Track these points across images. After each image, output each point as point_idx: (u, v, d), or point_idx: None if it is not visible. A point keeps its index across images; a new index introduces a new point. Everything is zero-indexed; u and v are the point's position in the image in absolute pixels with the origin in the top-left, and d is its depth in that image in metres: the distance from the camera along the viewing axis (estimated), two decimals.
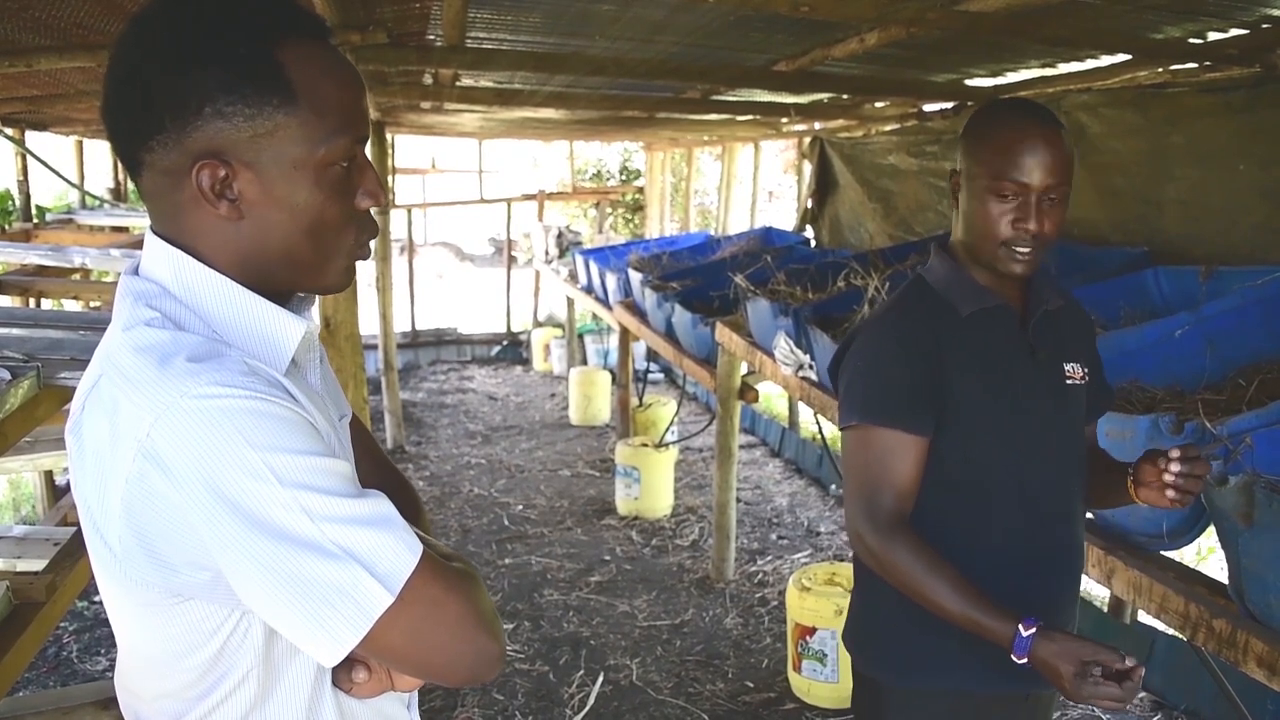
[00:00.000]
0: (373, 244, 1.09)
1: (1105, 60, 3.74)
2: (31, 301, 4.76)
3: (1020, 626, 1.45)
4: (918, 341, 1.67)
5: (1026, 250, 1.62)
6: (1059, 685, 1.43)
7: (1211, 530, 1.84)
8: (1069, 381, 1.73)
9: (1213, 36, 3.13)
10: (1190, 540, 1.98)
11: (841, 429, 1.72)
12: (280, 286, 1.03)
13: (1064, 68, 3.99)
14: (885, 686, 1.77)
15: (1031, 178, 1.58)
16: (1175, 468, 1.53)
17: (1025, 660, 1.45)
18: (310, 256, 1.00)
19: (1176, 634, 2.03)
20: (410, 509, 1.11)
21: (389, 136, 8.01)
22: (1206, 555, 5.10)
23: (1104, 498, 1.79)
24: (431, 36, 3.83)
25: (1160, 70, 3.75)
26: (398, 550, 0.90)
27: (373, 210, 1.05)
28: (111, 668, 3.85)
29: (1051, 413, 1.72)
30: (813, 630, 3.62)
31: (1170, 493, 1.55)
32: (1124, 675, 1.38)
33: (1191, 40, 3.21)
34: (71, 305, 5.17)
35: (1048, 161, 1.58)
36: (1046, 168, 1.58)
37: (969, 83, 4.49)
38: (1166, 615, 1.87)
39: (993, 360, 1.69)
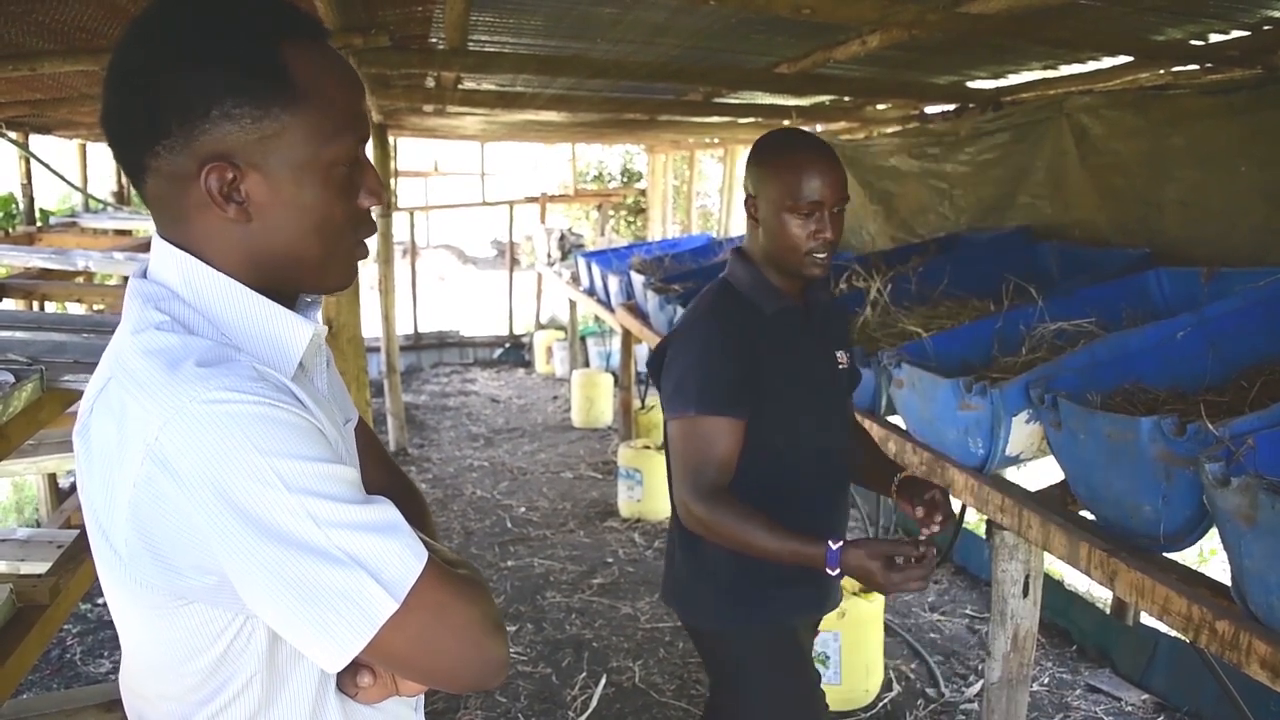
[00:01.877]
0: (371, 243, 1.10)
1: (1107, 62, 3.74)
2: (35, 305, 4.77)
3: (829, 543, 1.80)
4: (736, 338, 1.99)
5: (824, 255, 1.99)
6: (871, 582, 1.77)
7: (1214, 532, 1.84)
8: (840, 366, 2.18)
9: (1214, 38, 3.13)
10: (1193, 542, 1.98)
11: (672, 419, 2.00)
12: (287, 287, 1.03)
13: (1066, 69, 3.99)
14: (729, 631, 2.13)
15: (824, 196, 1.95)
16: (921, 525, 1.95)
17: (838, 570, 1.79)
18: (317, 256, 1.01)
19: (1179, 636, 2.03)
20: (416, 514, 1.12)
21: (391, 139, 8.01)
22: (1209, 557, 5.10)
23: (858, 476, 2.24)
24: (434, 39, 3.84)
25: (1162, 72, 3.75)
26: (403, 556, 0.90)
27: (372, 210, 1.06)
28: (115, 670, 3.85)
29: (833, 391, 2.17)
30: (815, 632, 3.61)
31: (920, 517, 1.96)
32: (921, 559, 1.74)
33: (1193, 42, 3.21)
34: (75, 308, 5.18)
35: (834, 181, 1.96)
36: (833, 187, 1.96)
37: (971, 85, 4.49)
38: (1169, 617, 1.87)
39: (793, 351, 2.07)
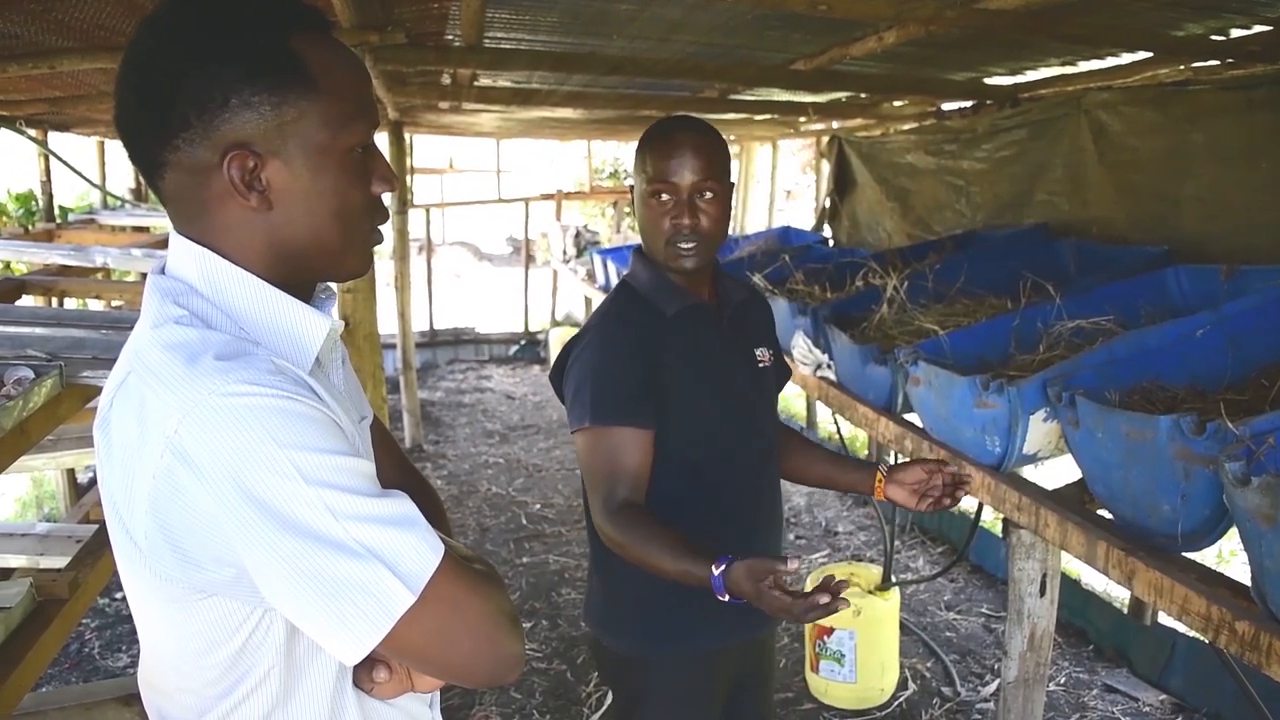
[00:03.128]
0: (387, 239, 1.11)
1: (1126, 58, 3.72)
2: (55, 301, 4.80)
3: (713, 567, 1.55)
4: (635, 343, 1.84)
5: (689, 245, 1.81)
6: (758, 606, 1.50)
7: (1234, 532, 1.83)
8: (760, 365, 2.01)
9: (1235, 33, 3.11)
10: (1212, 542, 1.96)
11: (573, 432, 1.83)
12: (306, 276, 1.05)
13: (1084, 65, 3.97)
14: (637, 659, 1.95)
15: (681, 178, 1.78)
16: (943, 479, 1.83)
17: (726, 595, 1.54)
18: (337, 242, 1.02)
19: (1198, 636, 2.01)
20: (432, 511, 1.12)
21: (407, 136, 8.03)
22: (1228, 558, 5.07)
23: (809, 478, 2.11)
24: (450, 36, 3.84)
25: (1181, 67, 3.73)
26: (420, 550, 0.90)
27: (390, 206, 1.07)
28: (133, 664, 3.88)
29: (750, 392, 1.97)
30: (830, 630, 3.60)
31: (925, 502, 1.84)
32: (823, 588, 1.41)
33: (1214, 37, 3.18)
34: (94, 304, 5.21)
35: (693, 162, 1.77)
36: (692, 168, 1.77)
37: (988, 81, 4.47)
38: (1188, 617, 1.86)
39: (700, 352, 1.90)
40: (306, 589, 0.87)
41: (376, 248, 1.10)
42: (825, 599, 1.38)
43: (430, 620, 0.91)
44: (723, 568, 1.54)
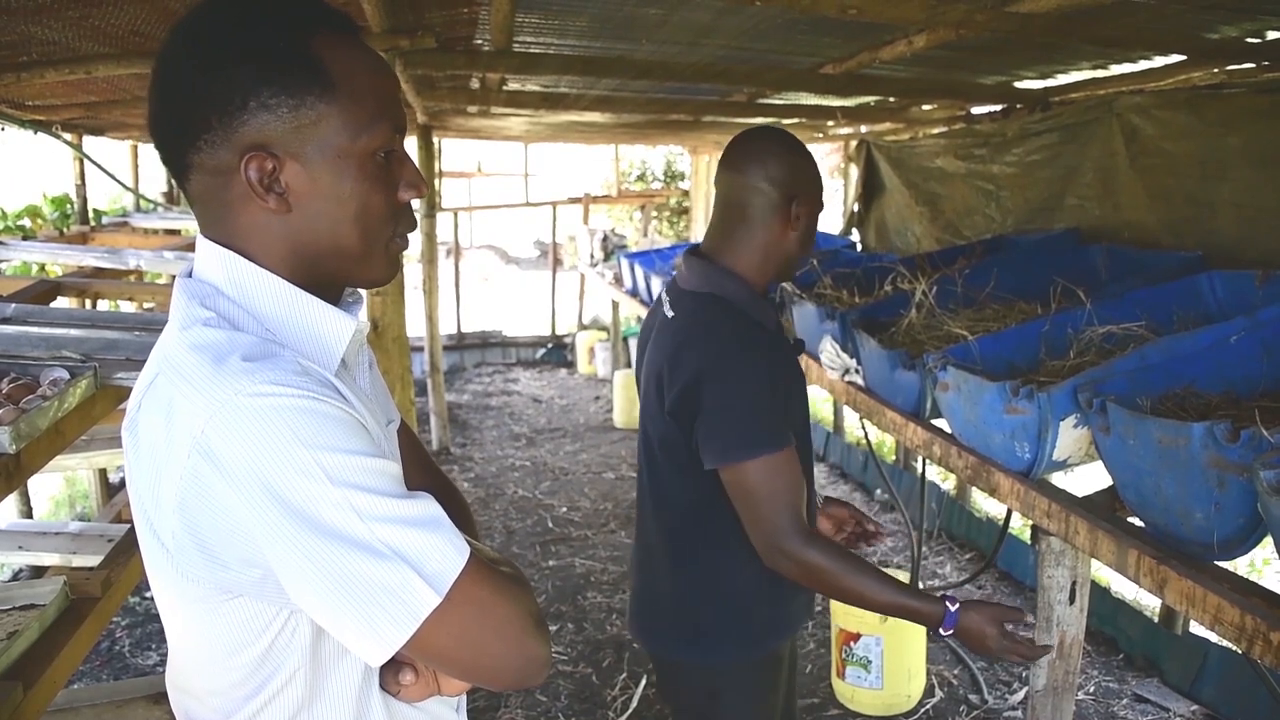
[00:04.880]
0: (415, 243, 1.11)
1: (1159, 61, 3.67)
2: (89, 303, 4.85)
3: (947, 604, 1.78)
4: (771, 362, 1.87)
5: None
6: (980, 646, 1.79)
7: (1268, 541, 1.80)
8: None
9: (1271, 35, 3.06)
10: (1245, 551, 1.93)
11: (745, 461, 1.79)
12: (328, 280, 1.05)
13: (1116, 69, 3.92)
14: (721, 666, 2.00)
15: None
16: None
17: (951, 632, 1.78)
18: (357, 246, 1.02)
19: (1231, 646, 1.99)
20: (459, 515, 1.12)
21: (436, 140, 8.07)
22: (1262, 567, 5.00)
23: None
24: (479, 41, 3.86)
25: (1216, 71, 3.68)
26: (446, 552, 0.90)
27: (418, 211, 1.08)
28: (163, 663, 3.92)
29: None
30: (857, 636, 3.59)
31: (839, 536, 2.16)
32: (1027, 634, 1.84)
33: (1249, 40, 3.14)
34: (127, 306, 5.27)
35: None
36: None
37: (1018, 85, 4.43)
38: (1221, 627, 1.83)
39: (792, 366, 1.99)
40: (332, 590, 0.87)
41: (404, 253, 1.10)
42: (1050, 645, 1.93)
43: (456, 622, 0.91)
44: (957, 605, 1.78)
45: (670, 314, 1.95)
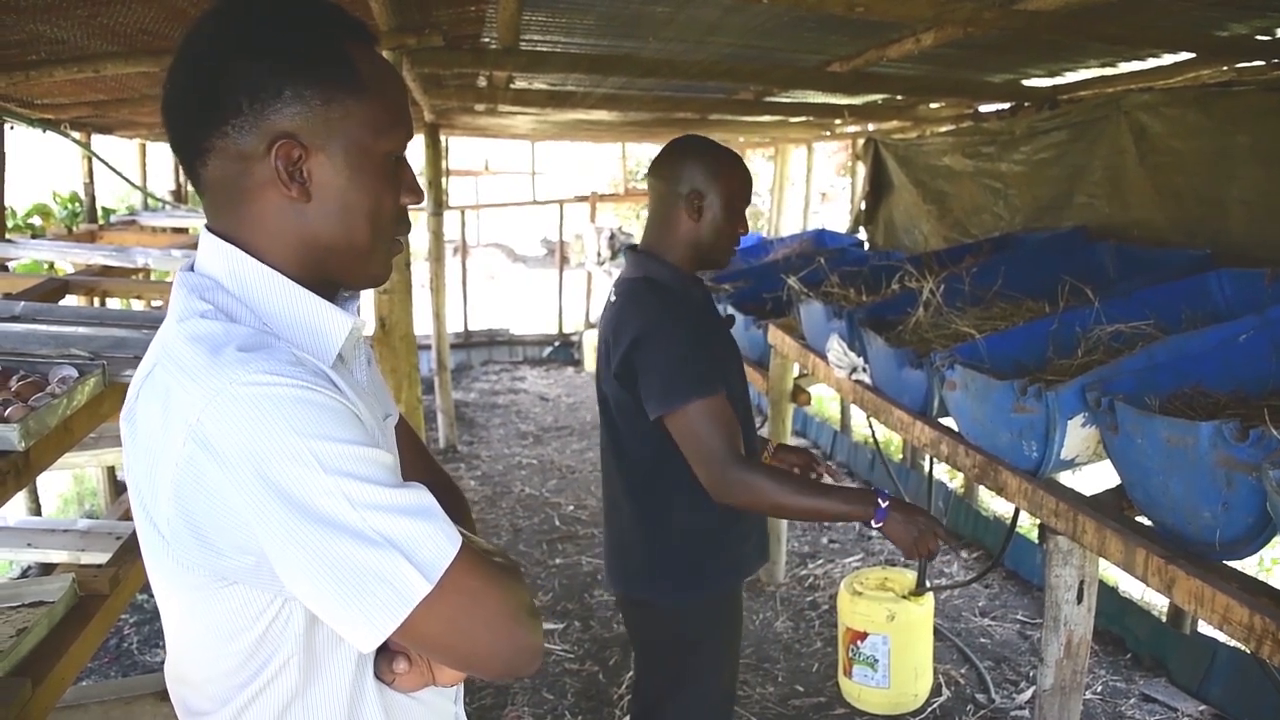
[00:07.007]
0: (422, 241, 1.15)
1: (1167, 59, 3.66)
2: (97, 301, 4.87)
3: (879, 500, 2.03)
4: (696, 324, 2.16)
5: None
6: (903, 536, 2.04)
7: (1277, 540, 1.80)
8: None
9: None
10: (1254, 551, 1.93)
11: (684, 406, 2.05)
12: (331, 276, 1.07)
13: (1124, 66, 3.92)
14: (688, 606, 2.28)
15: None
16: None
17: (880, 525, 2.03)
18: (366, 242, 1.05)
19: (1239, 646, 1.98)
20: (456, 510, 1.14)
21: (443, 138, 8.07)
22: (1270, 566, 4.99)
23: None
24: (486, 39, 3.86)
25: (1225, 68, 3.67)
26: (437, 540, 0.92)
27: (425, 207, 1.11)
28: None
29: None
30: (864, 635, 3.58)
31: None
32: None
33: (1259, 37, 3.13)
34: (135, 304, 5.28)
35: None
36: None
37: (1026, 83, 4.43)
38: (1229, 626, 1.83)
39: (722, 333, 2.33)
40: (324, 576, 0.88)
41: (410, 249, 1.12)
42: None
43: (447, 610, 0.92)
44: (887, 503, 2.03)
45: (613, 299, 2.28)
